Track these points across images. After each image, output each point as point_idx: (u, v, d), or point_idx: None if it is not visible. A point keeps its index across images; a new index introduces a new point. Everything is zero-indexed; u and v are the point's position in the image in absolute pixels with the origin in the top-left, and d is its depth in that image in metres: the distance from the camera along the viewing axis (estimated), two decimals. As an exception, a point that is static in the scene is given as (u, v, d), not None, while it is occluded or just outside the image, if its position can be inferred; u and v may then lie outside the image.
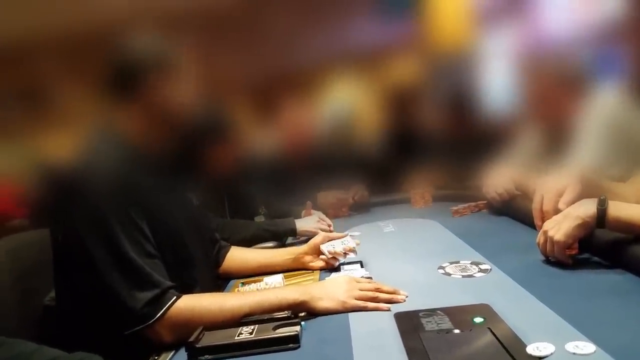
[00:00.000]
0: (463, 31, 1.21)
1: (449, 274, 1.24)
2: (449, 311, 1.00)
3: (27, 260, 1.31)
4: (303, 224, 1.84)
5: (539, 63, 1.24)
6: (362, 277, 1.24)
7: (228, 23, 1.12)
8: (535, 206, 1.29)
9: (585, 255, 1.22)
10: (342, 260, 1.42)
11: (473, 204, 1.96)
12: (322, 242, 1.43)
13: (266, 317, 1.05)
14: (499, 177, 1.78)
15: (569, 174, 1.25)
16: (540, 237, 1.22)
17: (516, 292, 1.09)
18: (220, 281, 1.45)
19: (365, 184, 2.24)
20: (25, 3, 0.99)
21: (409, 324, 0.97)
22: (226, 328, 1.01)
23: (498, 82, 1.26)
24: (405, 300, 1.11)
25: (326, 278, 1.30)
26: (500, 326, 0.91)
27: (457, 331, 0.91)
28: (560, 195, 1.23)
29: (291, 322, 1.00)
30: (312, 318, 1.07)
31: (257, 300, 1.08)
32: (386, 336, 0.95)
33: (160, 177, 1.19)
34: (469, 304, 1.03)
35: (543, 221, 1.24)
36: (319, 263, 1.43)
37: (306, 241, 1.52)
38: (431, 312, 1.00)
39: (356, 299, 1.10)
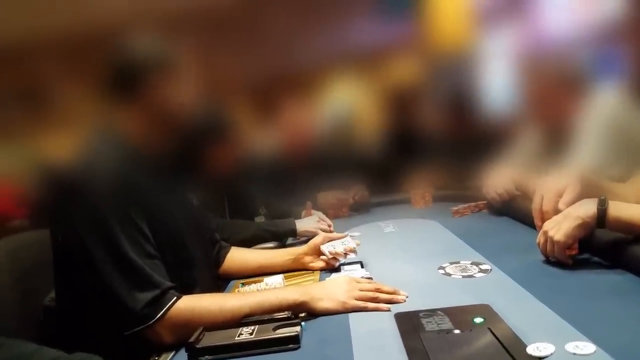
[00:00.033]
0: (463, 31, 1.21)
1: (449, 274, 1.24)
2: (449, 311, 1.00)
3: (27, 260, 1.31)
4: (303, 225, 1.84)
5: (539, 63, 1.24)
6: (362, 277, 1.24)
7: (228, 23, 1.12)
8: (535, 206, 1.29)
9: (586, 256, 1.22)
10: (342, 260, 1.42)
11: (473, 204, 1.96)
12: (323, 243, 1.43)
13: (266, 317, 1.05)
14: (499, 178, 1.78)
15: (568, 174, 1.25)
16: (540, 237, 1.22)
17: (516, 292, 1.09)
18: (220, 282, 1.45)
19: (366, 184, 2.24)
20: (25, 3, 0.99)
21: (409, 324, 0.97)
22: (226, 328, 1.01)
23: (498, 82, 1.26)
24: (405, 301, 1.11)
25: (326, 278, 1.30)
26: (501, 326, 0.91)
27: (457, 331, 0.91)
28: (560, 195, 1.23)
29: (291, 323, 1.00)
30: (312, 318, 1.07)
31: (257, 300, 1.08)
32: (386, 336, 0.95)
33: (160, 177, 1.19)
34: (469, 304, 1.03)
35: (543, 221, 1.24)
36: (319, 263, 1.43)
37: (306, 242, 1.52)
38: (431, 312, 1.00)
39: (356, 299, 1.10)
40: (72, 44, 1.00)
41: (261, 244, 1.75)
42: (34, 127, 1.02)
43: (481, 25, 1.19)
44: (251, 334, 0.97)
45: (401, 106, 1.33)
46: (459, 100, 1.29)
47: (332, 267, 1.41)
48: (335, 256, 1.41)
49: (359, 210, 2.22)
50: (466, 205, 1.95)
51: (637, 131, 1.31)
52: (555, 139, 1.32)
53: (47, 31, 0.99)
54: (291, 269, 1.45)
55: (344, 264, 1.42)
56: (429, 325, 0.95)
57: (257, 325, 1.00)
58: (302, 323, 1.01)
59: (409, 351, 0.87)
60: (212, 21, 1.10)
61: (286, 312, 1.06)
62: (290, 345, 0.95)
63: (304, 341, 0.97)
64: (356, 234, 1.76)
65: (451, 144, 1.36)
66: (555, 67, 1.25)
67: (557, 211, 1.21)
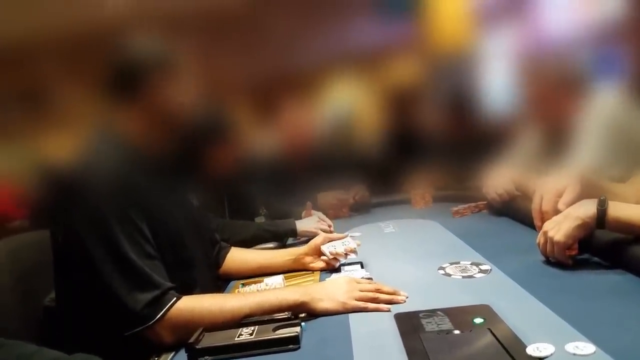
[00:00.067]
0: (463, 32, 1.21)
1: (449, 275, 1.25)
2: (449, 312, 1.00)
3: (27, 261, 1.31)
4: (303, 225, 1.84)
5: (538, 64, 1.24)
6: (362, 277, 1.24)
7: (228, 24, 1.12)
8: (534, 207, 1.29)
9: (585, 256, 1.22)
10: (342, 261, 1.42)
11: (473, 204, 1.96)
12: (323, 243, 1.43)
13: (266, 318, 1.05)
14: (499, 178, 1.78)
15: (568, 174, 1.25)
16: (540, 238, 1.22)
17: (516, 292, 1.09)
18: (220, 282, 1.45)
19: (366, 185, 2.24)
20: (25, 4, 0.99)
21: (409, 325, 0.97)
22: (226, 329, 1.01)
23: (498, 82, 1.26)
24: (405, 301, 1.11)
25: (326, 279, 1.31)
26: (500, 327, 0.91)
27: (457, 332, 0.91)
28: (559, 195, 1.23)
29: (291, 323, 1.00)
30: (313, 319, 1.07)
31: (257, 301, 1.08)
32: (386, 337, 0.95)
33: (160, 177, 1.19)
34: (469, 304, 1.03)
35: (543, 221, 1.24)
36: (320, 264, 1.43)
37: (306, 242, 1.52)
38: (431, 312, 1.00)
39: (356, 299, 1.10)
40: (73, 44, 1.00)
41: (261, 244, 1.75)
42: (34, 128, 1.02)
43: (481, 25, 1.20)
44: (251, 334, 0.97)
45: (401, 107, 1.33)
46: (459, 101, 1.30)
47: (332, 268, 1.41)
48: (335, 256, 1.41)
49: (360, 210, 2.22)
50: (466, 205, 1.95)
51: (637, 131, 1.31)
52: (555, 139, 1.32)
53: (47, 32, 0.99)
54: (291, 270, 1.45)
55: (344, 265, 1.42)
56: (429, 325, 0.95)
57: (257, 326, 1.00)
58: (302, 323, 1.01)
59: (409, 351, 0.87)
60: (213, 22, 1.11)
61: (286, 313, 1.06)
62: (290, 346, 0.95)
63: (304, 341, 0.97)
64: (356, 234, 1.76)
65: (451, 144, 1.36)
66: (555, 68, 1.25)
67: (556, 211, 1.21)
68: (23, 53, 0.98)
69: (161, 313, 1.03)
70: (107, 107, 1.11)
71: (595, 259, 1.21)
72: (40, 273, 1.25)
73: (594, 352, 0.79)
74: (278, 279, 1.39)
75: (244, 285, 1.38)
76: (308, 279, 1.38)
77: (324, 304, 1.09)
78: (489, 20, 1.18)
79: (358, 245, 1.44)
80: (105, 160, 1.10)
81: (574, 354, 0.79)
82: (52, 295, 1.23)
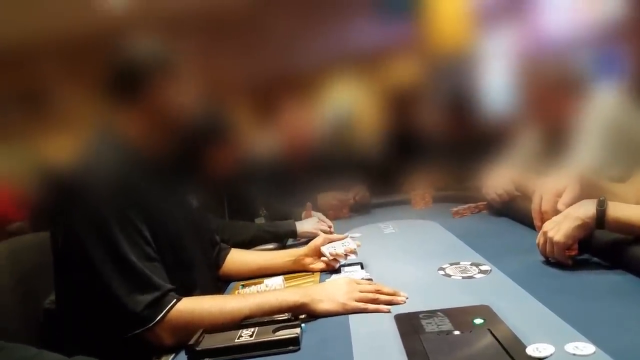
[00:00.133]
0: (462, 32, 1.21)
1: (449, 275, 1.24)
2: (449, 312, 1.00)
3: (27, 262, 1.31)
4: (303, 226, 1.84)
5: (538, 64, 1.24)
6: (362, 278, 1.24)
7: (228, 25, 1.13)
8: (534, 207, 1.29)
9: (585, 256, 1.22)
10: (342, 261, 1.42)
11: (473, 205, 1.96)
12: (323, 244, 1.43)
13: (266, 319, 1.05)
14: (498, 178, 1.78)
15: (568, 174, 1.25)
16: (540, 238, 1.22)
17: (516, 293, 1.09)
18: (220, 283, 1.45)
19: (366, 186, 2.24)
20: (26, 6, 0.99)
21: (409, 326, 0.97)
22: (226, 330, 1.00)
23: (498, 83, 1.27)
24: (405, 302, 1.11)
25: (326, 280, 1.30)
26: (500, 327, 0.91)
27: (457, 332, 0.91)
28: (559, 195, 1.23)
29: (291, 325, 1.00)
30: (313, 320, 1.07)
31: (257, 302, 1.08)
32: (386, 338, 0.95)
33: (160, 179, 1.19)
34: (469, 305, 1.03)
35: (542, 222, 1.24)
36: (320, 265, 1.43)
37: (306, 243, 1.52)
38: (431, 313, 1.00)
39: (356, 300, 1.10)
40: (73, 45, 1.00)
41: (261, 245, 1.75)
42: (34, 129, 1.02)
43: (481, 26, 1.20)
44: (251, 336, 0.97)
45: (401, 107, 1.33)
46: (459, 101, 1.30)
47: (332, 269, 1.41)
48: (335, 257, 1.41)
49: (360, 211, 2.22)
50: (466, 206, 1.95)
51: (637, 131, 1.31)
52: (555, 139, 1.32)
53: (47, 33, 0.99)
54: (291, 271, 1.45)
55: (344, 265, 1.42)
56: (429, 326, 0.95)
57: (257, 327, 1.00)
58: (302, 325, 1.01)
59: (409, 352, 0.87)
60: (212, 23, 1.11)
61: (286, 314, 1.06)
62: (290, 347, 0.95)
63: (304, 342, 0.97)
64: (356, 235, 1.76)
65: (451, 144, 1.36)
66: (554, 68, 1.25)
67: (556, 211, 1.21)
68: (23, 54, 0.98)
69: (161, 315, 1.03)
70: (107, 109, 1.12)
71: (595, 259, 1.21)
72: (40, 274, 1.25)
73: (594, 353, 0.79)
74: (278, 280, 1.39)
75: (244, 286, 1.38)
76: (308, 280, 1.38)
77: (324, 305, 1.09)
78: (489, 21, 1.19)
79: (358, 246, 1.44)
80: (105, 161, 1.10)
81: (574, 354, 0.79)
82: (52, 297, 1.23)
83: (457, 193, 2.13)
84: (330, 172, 1.68)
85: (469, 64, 1.23)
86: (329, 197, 2.16)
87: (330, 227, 1.86)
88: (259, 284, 1.38)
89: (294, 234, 1.82)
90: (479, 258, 1.34)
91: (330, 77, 1.25)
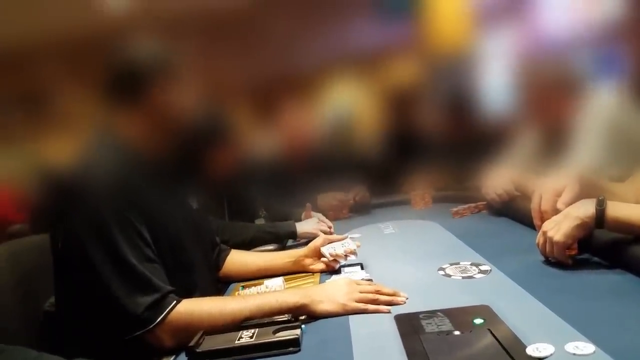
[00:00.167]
0: (462, 32, 1.21)
1: (449, 275, 1.25)
2: (449, 312, 1.00)
3: (27, 264, 1.31)
4: (303, 226, 1.84)
5: (537, 64, 1.24)
6: (362, 279, 1.24)
7: (228, 26, 1.13)
8: (534, 206, 1.29)
9: (585, 256, 1.22)
10: (342, 262, 1.42)
11: (473, 205, 1.96)
12: (323, 245, 1.43)
13: (266, 320, 1.05)
14: (498, 178, 1.78)
15: (567, 174, 1.25)
16: (539, 238, 1.22)
17: (516, 293, 1.09)
18: (220, 285, 1.45)
19: (366, 186, 2.24)
20: (26, 7, 0.99)
21: (409, 326, 0.97)
22: (226, 332, 1.00)
23: (497, 83, 1.27)
24: (405, 302, 1.11)
25: (326, 281, 1.30)
26: (500, 327, 0.91)
27: (457, 333, 0.91)
28: (558, 195, 1.23)
29: (291, 326, 1.00)
30: (313, 321, 1.07)
31: (257, 303, 1.08)
32: (386, 338, 0.95)
33: (160, 181, 1.19)
34: (469, 305, 1.03)
35: (542, 221, 1.24)
36: (320, 265, 1.43)
37: (306, 244, 1.52)
38: (431, 313, 1.00)
39: (356, 301, 1.10)
40: (73, 47, 1.00)
41: (261, 246, 1.75)
42: (34, 131, 1.02)
43: (480, 26, 1.20)
44: (251, 337, 0.97)
45: (401, 107, 1.33)
46: (459, 101, 1.30)
47: (332, 269, 1.41)
48: (335, 258, 1.41)
49: (359, 211, 2.22)
50: (466, 206, 1.95)
51: (636, 131, 1.31)
52: (554, 139, 1.32)
53: (47, 34, 0.99)
54: (291, 272, 1.46)
55: (344, 266, 1.42)
56: (429, 326, 0.95)
57: (257, 329, 1.00)
58: (302, 326, 1.01)
59: (409, 353, 0.87)
60: (212, 24, 1.11)
61: (286, 315, 1.06)
62: (291, 348, 0.95)
63: (304, 343, 0.97)
64: (356, 235, 1.76)
65: (451, 145, 1.36)
66: (554, 68, 1.25)
67: (555, 211, 1.22)
68: (23, 56, 0.98)
69: (161, 316, 1.03)
70: (107, 110, 1.11)
71: (595, 258, 1.21)
72: (40, 276, 1.25)
73: (594, 352, 0.79)
74: (278, 281, 1.39)
75: (244, 287, 1.38)
76: (308, 281, 1.38)
77: (324, 306, 1.09)
78: (488, 21, 1.19)
79: (358, 246, 1.44)
80: (105, 163, 1.11)
81: (574, 354, 0.79)
82: (52, 299, 1.23)
83: (456, 193, 2.13)
84: (330, 172, 1.67)
85: (468, 64, 1.23)
86: (329, 198, 2.16)
87: (330, 227, 1.86)
88: (259, 285, 1.38)
89: (293, 234, 1.83)
90: (478, 258, 1.34)
91: (330, 78, 1.24)
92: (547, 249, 1.19)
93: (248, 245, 1.70)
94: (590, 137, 1.33)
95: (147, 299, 1.03)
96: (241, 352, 0.94)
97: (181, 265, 1.17)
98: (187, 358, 0.95)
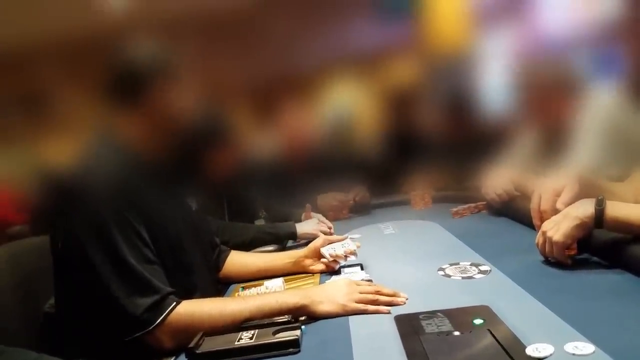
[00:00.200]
0: (461, 33, 1.21)
1: (449, 276, 1.25)
2: (448, 313, 1.00)
3: (27, 266, 1.31)
4: (303, 227, 1.84)
5: (537, 64, 1.24)
6: (362, 279, 1.24)
7: (227, 26, 1.13)
8: (533, 206, 1.29)
9: (585, 256, 1.22)
10: (342, 263, 1.42)
11: (472, 205, 1.96)
12: (322, 245, 1.43)
13: (266, 321, 1.05)
14: (498, 178, 1.78)
15: (567, 174, 1.25)
16: (539, 238, 1.22)
17: (516, 293, 1.09)
18: (220, 286, 1.45)
19: (366, 186, 2.24)
20: (26, 8, 0.99)
21: (409, 327, 0.97)
22: (226, 333, 1.00)
23: (496, 83, 1.27)
24: (405, 303, 1.11)
25: (326, 281, 1.30)
26: (500, 327, 0.91)
27: (457, 333, 0.91)
28: (557, 194, 1.23)
29: (291, 327, 1.00)
30: (313, 322, 1.07)
31: (257, 304, 1.08)
32: (386, 339, 0.95)
33: (160, 181, 1.19)
34: (469, 305, 1.03)
35: (541, 221, 1.24)
36: (319, 266, 1.43)
37: (306, 244, 1.52)
38: (431, 314, 1.00)
39: (356, 302, 1.10)
40: (73, 48, 1.00)
41: (261, 246, 1.75)
42: (34, 132, 1.03)
43: (479, 26, 1.20)
44: (251, 338, 0.97)
45: (401, 108, 1.33)
46: (458, 102, 1.30)
47: (332, 270, 1.41)
48: (335, 259, 1.41)
49: (359, 212, 2.22)
50: (465, 206, 1.95)
51: (635, 131, 1.31)
52: (553, 139, 1.33)
53: (47, 36, 0.99)
54: (291, 272, 1.45)
55: (344, 267, 1.42)
56: (429, 327, 0.95)
57: (257, 330, 1.00)
58: (302, 327, 1.01)
59: (409, 353, 0.87)
60: (212, 24, 1.11)
61: (286, 316, 1.06)
62: (291, 349, 0.95)
63: (304, 344, 0.97)
64: (356, 236, 1.76)
65: (450, 145, 1.36)
66: (553, 68, 1.25)
67: (555, 210, 1.22)
68: (23, 57, 0.98)
69: (161, 318, 1.03)
70: (107, 111, 1.11)
71: (595, 258, 1.21)
72: (40, 278, 1.25)
73: (593, 352, 0.79)
74: (278, 282, 1.39)
75: (244, 288, 1.38)
76: (308, 281, 1.38)
77: (324, 307, 1.09)
78: (488, 21, 1.19)
79: (358, 247, 1.44)
80: (105, 164, 1.11)
81: (574, 354, 0.79)
82: (52, 301, 1.23)
83: (456, 193, 2.13)
84: (330, 173, 1.68)
85: (468, 64, 1.24)
86: (329, 198, 2.16)
87: (330, 228, 1.86)
88: (259, 286, 1.38)
89: (293, 235, 1.82)
90: (478, 258, 1.34)
91: (330, 78, 1.25)
92: (547, 248, 1.19)
93: (248, 246, 1.70)
94: (589, 137, 1.33)
95: (146, 300, 1.03)
96: (241, 353, 0.94)
97: (181, 266, 1.17)
98: (186, 359, 0.95)
